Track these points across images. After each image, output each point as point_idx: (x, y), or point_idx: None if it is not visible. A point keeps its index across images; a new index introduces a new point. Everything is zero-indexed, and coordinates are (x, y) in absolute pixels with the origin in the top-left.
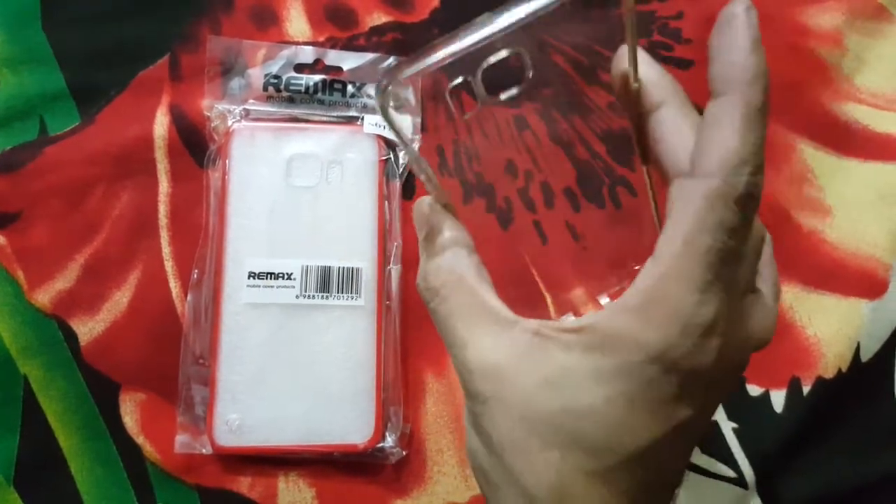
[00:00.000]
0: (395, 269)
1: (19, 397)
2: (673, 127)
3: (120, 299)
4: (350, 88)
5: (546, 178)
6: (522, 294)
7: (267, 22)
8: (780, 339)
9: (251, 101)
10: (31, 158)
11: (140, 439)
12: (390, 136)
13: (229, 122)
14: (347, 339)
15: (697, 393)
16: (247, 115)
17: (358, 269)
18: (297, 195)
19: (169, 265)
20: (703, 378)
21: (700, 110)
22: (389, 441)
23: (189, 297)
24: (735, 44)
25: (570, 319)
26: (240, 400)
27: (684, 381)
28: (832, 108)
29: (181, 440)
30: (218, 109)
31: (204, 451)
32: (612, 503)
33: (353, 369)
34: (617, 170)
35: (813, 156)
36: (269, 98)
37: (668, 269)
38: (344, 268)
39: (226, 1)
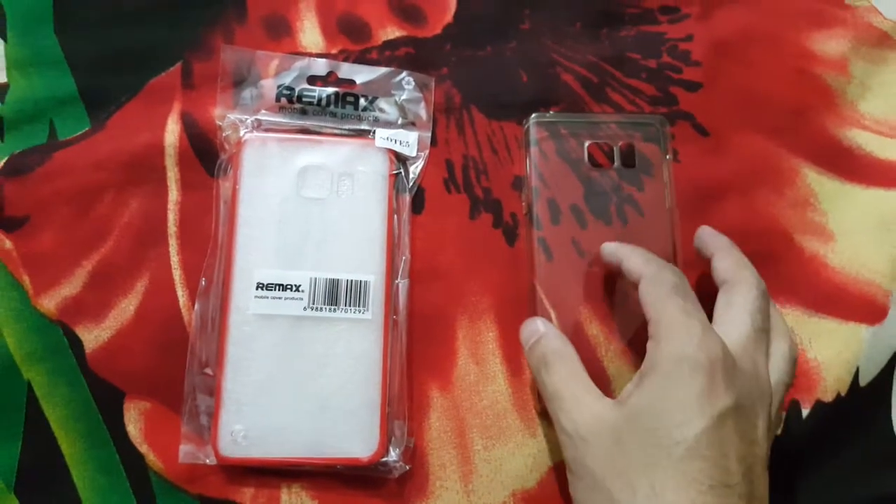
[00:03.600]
0: (402, 284)
1: (22, 403)
2: None
3: (126, 307)
4: (362, 102)
5: (553, 195)
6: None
7: (280, 32)
8: None
9: (263, 111)
10: (40, 163)
11: (143, 448)
12: (401, 150)
13: (241, 132)
14: (354, 353)
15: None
16: (258, 125)
17: (366, 283)
18: (307, 207)
19: (177, 274)
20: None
21: (705, 130)
22: (393, 455)
23: (196, 307)
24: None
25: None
26: (245, 411)
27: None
28: (836, 133)
29: (185, 450)
30: (230, 119)
31: (208, 461)
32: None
33: (358, 383)
34: (625, 188)
35: (816, 180)
36: (281, 109)
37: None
38: (352, 281)
39: (239, 10)
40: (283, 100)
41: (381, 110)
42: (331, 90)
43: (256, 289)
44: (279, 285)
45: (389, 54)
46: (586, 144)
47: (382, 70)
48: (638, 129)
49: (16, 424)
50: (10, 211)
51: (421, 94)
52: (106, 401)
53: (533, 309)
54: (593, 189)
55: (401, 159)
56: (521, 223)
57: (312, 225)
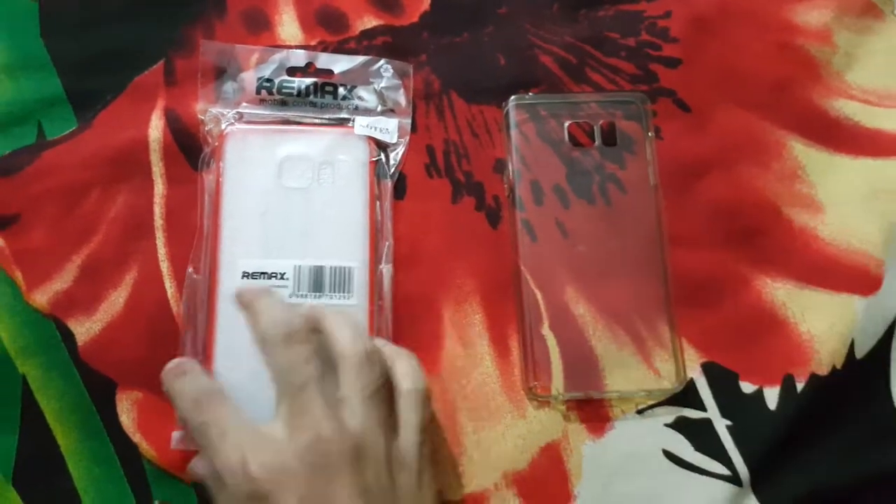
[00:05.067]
0: (386, 269)
1: (18, 397)
2: None
3: (116, 299)
4: (341, 91)
5: (535, 176)
6: None
7: (259, 26)
8: (774, 335)
9: (244, 104)
10: (30, 162)
11: (136, 437)
12: (381, 137)
13: (223, 125)
14: None
15: None
16: (240, 118)
17: (350, 269)
18: (290, 196)
19: (164, 266)
20: None
21: (687, 107)
22: None
23: (184, 297)
24: None
25: None
26: (234, 399)
27: None
28: (823, 104)
29: (177, 436)
30: (212, 113)
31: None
32: None
33: None
34: (607, 166)
35: (804, 152)
36: (261, 101)
37: None
38: (336, 267)
39: (219, 6)
40: (264, 92)
41: (361, 98)
42: (310, 81)
43: (242, 278)
44: (264, 273)
45: (367, 44)
46: (566, 125)
47: (360, 59)
48: (619, 107)
49: (13, 418)
50: (2, 209)
51: (400, 82)
52: (99, 392)
53: (518, 290)
54: (575, 169)
55: (381, 146)
56: (503, 206)
57: (295, 214)
